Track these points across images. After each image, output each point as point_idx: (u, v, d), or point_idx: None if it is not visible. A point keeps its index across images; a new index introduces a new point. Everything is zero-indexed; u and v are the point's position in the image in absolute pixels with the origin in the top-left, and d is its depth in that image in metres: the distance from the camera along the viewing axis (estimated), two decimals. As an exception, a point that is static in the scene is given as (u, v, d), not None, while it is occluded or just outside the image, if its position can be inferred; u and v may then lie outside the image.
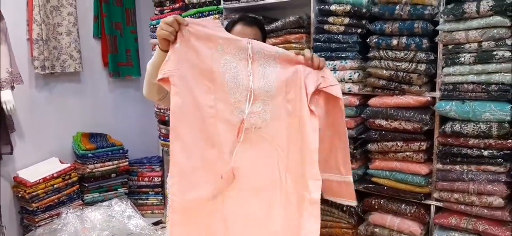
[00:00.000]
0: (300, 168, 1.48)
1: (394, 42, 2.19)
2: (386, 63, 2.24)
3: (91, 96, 3.60)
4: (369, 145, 2.36)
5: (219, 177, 1.46)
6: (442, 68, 2.11)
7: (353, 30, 2.35)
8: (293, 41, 2.59)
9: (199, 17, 3.04)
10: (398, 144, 2.26)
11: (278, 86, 1.50)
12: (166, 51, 1.43)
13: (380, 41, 2.22)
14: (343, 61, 2.40)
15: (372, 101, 2.31)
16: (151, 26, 3.44)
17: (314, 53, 1.62)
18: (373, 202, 2.36)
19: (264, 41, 1.74)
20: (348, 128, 2.37)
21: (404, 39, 2.17)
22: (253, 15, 2.20)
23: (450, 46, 2.06)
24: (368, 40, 2.27)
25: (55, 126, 3.37)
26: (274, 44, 2.64)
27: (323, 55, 2.45)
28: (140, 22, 3.84)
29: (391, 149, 2.28)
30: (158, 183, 3.68)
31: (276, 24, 2.63)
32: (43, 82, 3.29)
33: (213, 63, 1.45)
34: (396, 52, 2.20)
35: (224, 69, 1.45)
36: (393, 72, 2.22)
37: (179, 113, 1.40)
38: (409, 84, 2.20)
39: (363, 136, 2.38)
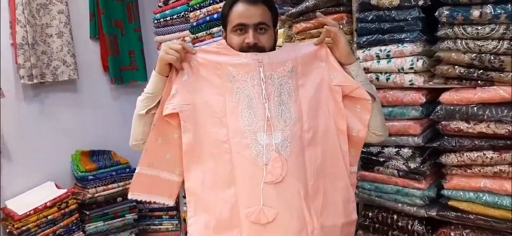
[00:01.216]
0: (329, 196, 1.37)
1: (475, 13, 1.57)
2: (464, 43, 1.62)
3: (90, 107, 3.11)
4: (443, 157, 1.74)
5: (239, 219, 1.32)
6: (549, 45, 1.48)
7: (413, 2, 1.74)
8: (329, 24, 1.99)
9: (210, 4, 2.49)
10: (486, 154, 1.63)
11: (295, 112, 1.35)
12: (166, 76, 1.36)
13: (455, 13, 1.60)
14: (400, 45, 1.79)
15: (445, 97, 1.69)
16: (155, 21, 2.93)
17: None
18: (452, 233, 1.74)
19: (275, 22, 1.46)
20: (413, 135, 1.79)
21: (488, 9, 1.55)
22: None
23: (559, 13, 1.43)
24: (437, 13, 1.65)
25: (49, 145, 2.91)
26: (304, 30, 2.08)
27: (371, 40, 1.86)
28: (144, 19, 3.33)
29: (476, 162, 1.66)
30: (173, 204, 3.14)
31: (307, 3, 2.04)
32: (32, 93, 2.83)
33: (225, 93, 1.35)
34: (479, 28, 1.58)
35: (237, 98, 1.34)
36: (475, 55, 1.60)
37: (192, 151, 1.35)
38: (500, 70, 1.58)
39: (433, 144, 1.76)
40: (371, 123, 1.39)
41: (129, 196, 1.45)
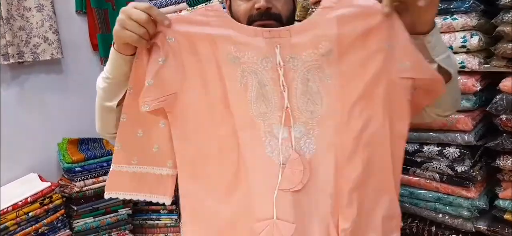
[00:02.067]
0: (365, 210, 1.05)
1: (554, -26, 1.20)
2: (536, 14, 1.26)
3: (78, 89, 2.77)
4: (501, 159, 1.40)
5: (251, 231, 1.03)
6: None
7: (465, -37, 1.37)
8: (355, -8, 1.62)
9: (211, -29, 2.12)
10: (560, 158, 1.29)
11: (329, 105, 1.00)
12: (132, 55, 1.01)
13: (524, -25, 1.24)
14: (448, 17, 1.43)
15: (508, 84, 1.34)
16: (148, -9, 2.56)
17: None
18: (508, 254, 1.41)
19: None
20: (462, 131, 1.44)
21: None
22: None
23: None
24: (499, -25, 1.29)
25: (32, 133, 2.59)
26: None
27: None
28: (138, -10, 2.95)
29: (545, 167, 1.31)
30: (170, 203, 2.84)
31: (327, -33, 1.67)
32: (10, 75, 2.49)
33: (225, 76, 1.00)
34: (557, -7, 1.21)
35: (244, 83, 1.00)
36: (550, 30, 1.24)
37: (184, 150, 1.05)
38: None
39: (488, 144, 1.41)
40: (437, 102, 1.05)
41: (106, 196, 1.13)
